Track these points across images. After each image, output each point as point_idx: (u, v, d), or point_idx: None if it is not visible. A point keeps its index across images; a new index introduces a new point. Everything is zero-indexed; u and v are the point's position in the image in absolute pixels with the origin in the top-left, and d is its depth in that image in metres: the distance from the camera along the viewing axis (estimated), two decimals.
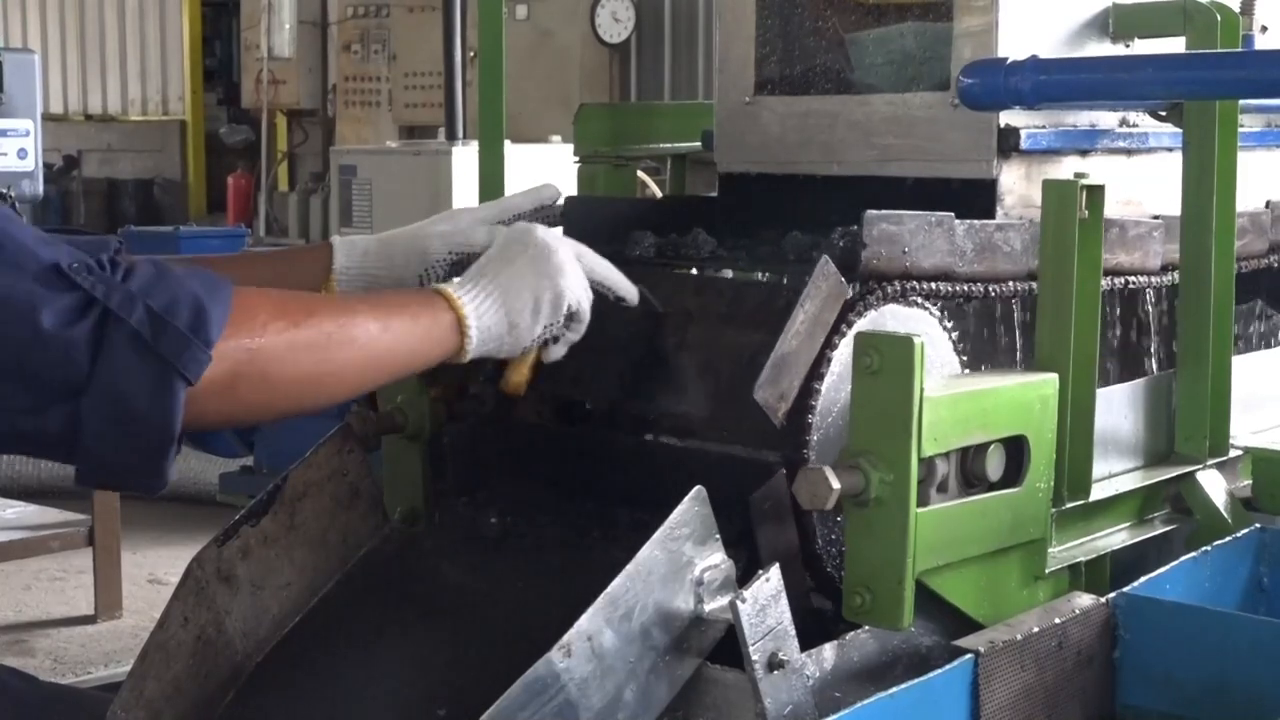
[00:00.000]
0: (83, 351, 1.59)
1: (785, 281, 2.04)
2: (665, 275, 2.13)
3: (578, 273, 1.96)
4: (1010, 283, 2.13)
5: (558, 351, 1.99)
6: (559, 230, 2.09)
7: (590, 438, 2.13)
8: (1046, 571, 2.06)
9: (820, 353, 1.91)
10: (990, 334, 2.14)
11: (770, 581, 1.75)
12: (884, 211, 1.96)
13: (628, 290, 2.04)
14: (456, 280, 1.91)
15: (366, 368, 1.81)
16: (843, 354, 1.92)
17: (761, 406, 1.85)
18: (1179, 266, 2.35)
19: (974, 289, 2.08)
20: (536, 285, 1.92)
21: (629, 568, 1.71)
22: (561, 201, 2.26)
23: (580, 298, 1.95)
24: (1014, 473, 1.97)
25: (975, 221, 2.05)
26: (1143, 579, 2.04)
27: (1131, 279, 2.29)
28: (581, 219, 2.25)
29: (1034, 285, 2.13)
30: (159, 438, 1.64)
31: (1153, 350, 2.44)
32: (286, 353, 1.72)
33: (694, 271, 2.21)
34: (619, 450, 2.09)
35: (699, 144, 2.83)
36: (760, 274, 2.17)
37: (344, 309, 1.80)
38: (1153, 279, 2.34)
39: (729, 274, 2.21)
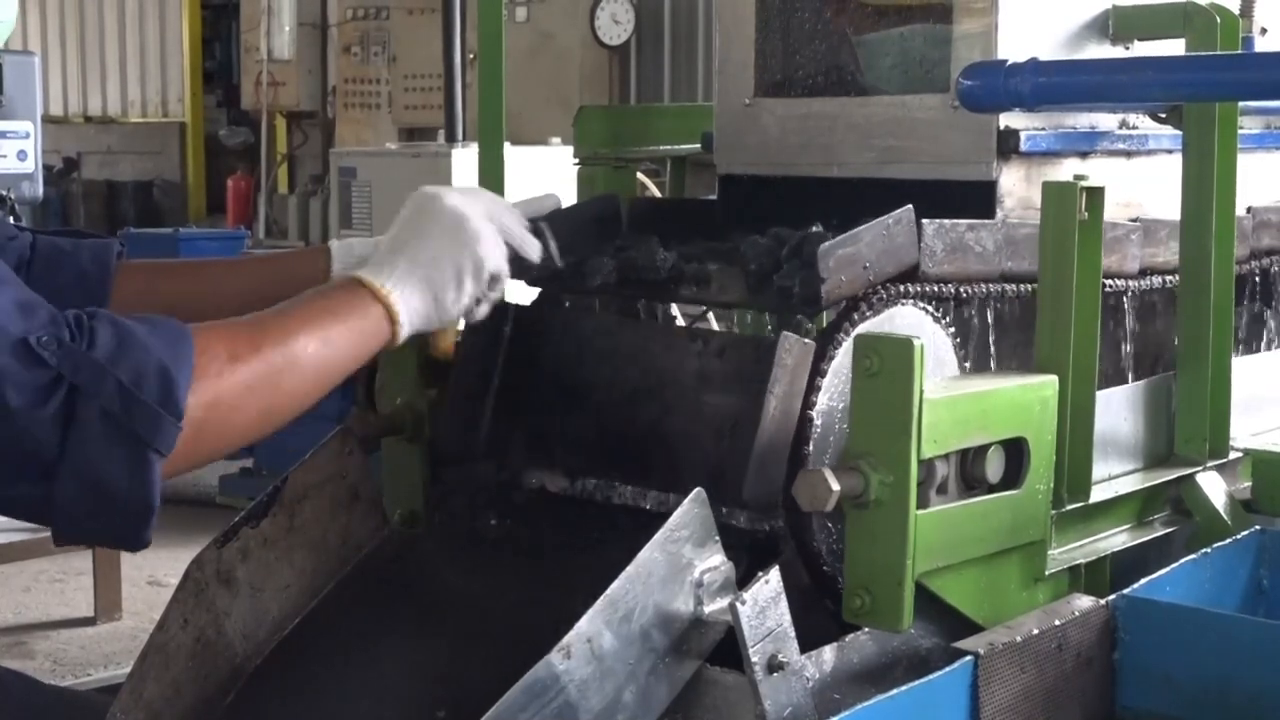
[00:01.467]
0: (50, 431, 1.56)
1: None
2: (627, 328, 2.11)
3: (494, 236, 1.93)
4: (983, 284, 2.10)
5: (482, 311, 1.96)
6: (467, 185, 2.05)
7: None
8: (1046, 573, 2.06)
9: (803, 408, 1.91)
10: (964, 334, 2.12)
11: (770, 583, 1.75)
12: (836, 240, 1.91)
13: (530, 248, 2.00)
14: (372, 265, 1.87)
15: (315, 385, 1.79)
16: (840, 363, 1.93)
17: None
18: (1179, 269, 2.35)
19: (945, 290, 2.05)
20: (457, 257, 1.89)
21: (629, 570, 1.71)
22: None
23: (499, 262, 1.93)
24: (1014, 474, 1.97)
25: (945, 221, 2.02)
26: (1143, 581, 2.04)
27: (1107, 282, 2.24)
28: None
29: (1006, 286, 2.11)
30: (138, 511, 1.62)
31: (1127, 353, 2.41)
32: (242, 398, 1.70)
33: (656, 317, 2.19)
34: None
35: (699, 146, 2.83)
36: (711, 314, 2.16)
37: (286, 332, 1.76)
38: (1130, 283, 2.32)
39: (679, 319, 2.18)
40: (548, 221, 2.08)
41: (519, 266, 2.03)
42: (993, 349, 2.15)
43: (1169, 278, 2.38)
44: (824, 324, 2.02)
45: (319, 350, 1.77)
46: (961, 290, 2.06)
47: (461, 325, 2.03)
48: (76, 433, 1.56)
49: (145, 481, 1.60)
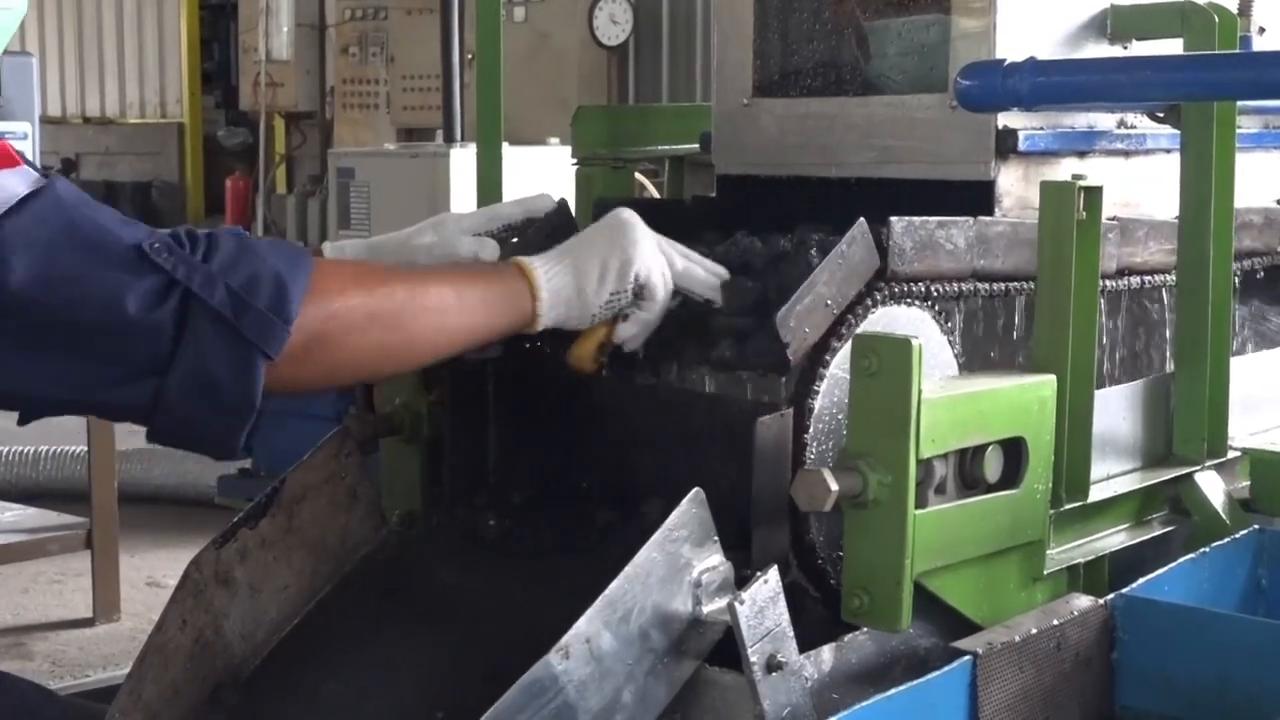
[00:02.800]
0: (167, 332, 1.63)
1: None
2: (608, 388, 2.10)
3: (652, 249, 1.95)
4: (954, 283, 2.08)
5: (628, 330, 1.96)
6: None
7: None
8: (1045, 573, 2.06)
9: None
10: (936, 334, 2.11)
11: (768, 583, 1.74)
12: (794, 297, 1.89)
13: (707, 289, 2.00)
14: (537, 255, 1.92)
15: (439, 336, 1.84)
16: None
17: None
18: (1177, 268, 2.35)
19: (914, 288, 2.03)
20: (606, 251, 1.92)
21: (627, 570, 1.71)
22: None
23: (650, 269, 1.93)
24: (1012, 474, 1.97)
25: (915, 219, 1.99)
26: (1141, 580, 2.04)
27: None
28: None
29: (979, 285, 2.10)
30: (240, 411, 1.68)
31: (1103, 351, 2.39)
32: (361, 322, 1.75)
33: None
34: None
35: (697, 146, 2.82)
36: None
37: (420, 279, 1.83)
38: (1106, 283, 2.31)
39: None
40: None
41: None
42: (958, 346, 2.13)
43: (1147, 277, 2.36)
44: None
45: (452, 303, 1.83)
46: (933, 289, 2.05)
47: (611, 338, 1.99)
48: (189, 334, 1.64)
49: (249, 382, 1.67)
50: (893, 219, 1.96)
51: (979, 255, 2.09)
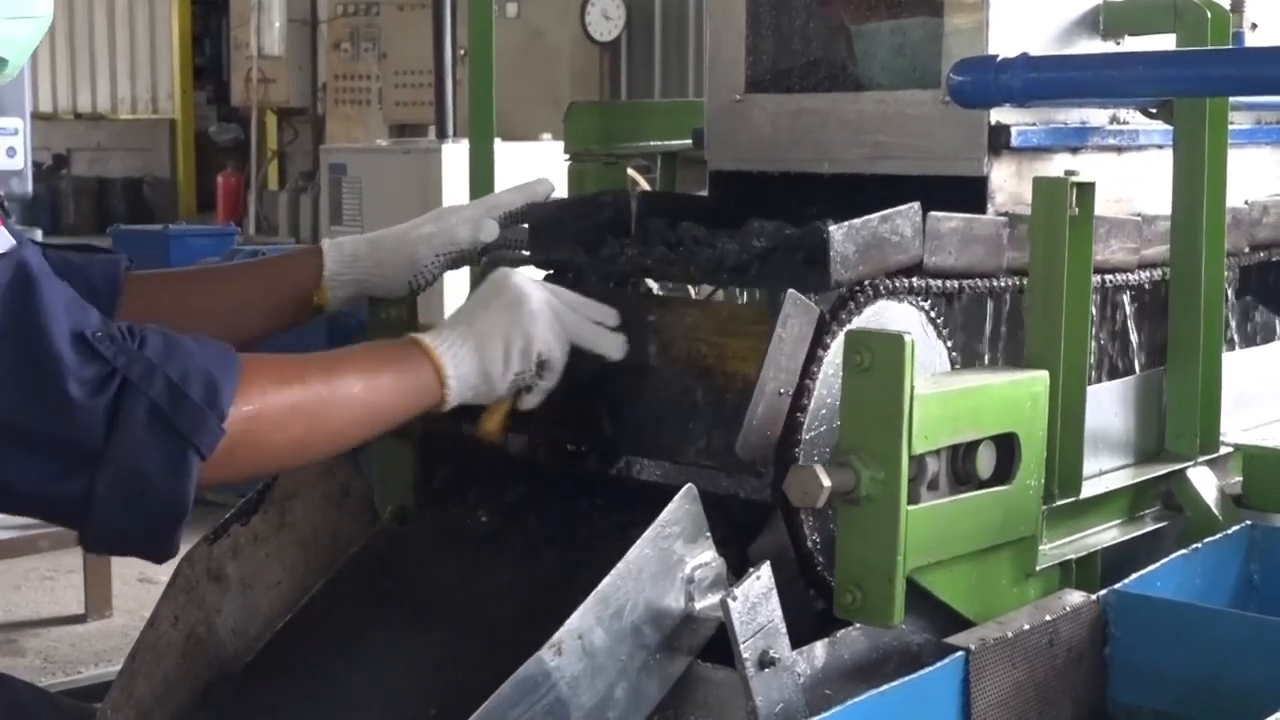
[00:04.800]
0: (100, 422, 1.60)
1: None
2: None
3: (549, 321, 1.97)
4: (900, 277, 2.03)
5: (532, 401, 2.00)
6: (538, 275, 2.10)
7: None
8: (1037, 569, 2.06)
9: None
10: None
11: (761, 579, 1.74)
12: (746, 421, 1.88)
13: (607, 348, 2.02)
14: (433, 331, 1.93)
15: (356, 426, 1.85)
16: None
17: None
18: (1169, 264, 2.35)
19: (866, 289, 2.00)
20: (508, 332, 1.93)
21: (620, 566, 1.71)
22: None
23: (550, 346, 1.96)
24: (1005, 470, 1.97)
25: (856, 221, 1.95)
26: (1133, 576, 2.04)
27: None
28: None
29: (935, 281, 2.07)
30: (172, 511, 1.66)
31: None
32: (282, 419, 1.75)
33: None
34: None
35: (690, 142, 2.82)
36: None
37: (333, 370, 1.83)
38: None
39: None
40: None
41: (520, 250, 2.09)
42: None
43: (1107, 276, 2.34)
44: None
45: (364, 392, 1.83)
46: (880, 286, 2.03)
47: (506, 407, 2.02)
48: (122, 426, 1.61)
49: (182, 480, 1.65)
50: (832, 229, 1.93)
51: (932, 249, 2.04)
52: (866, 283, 1.96)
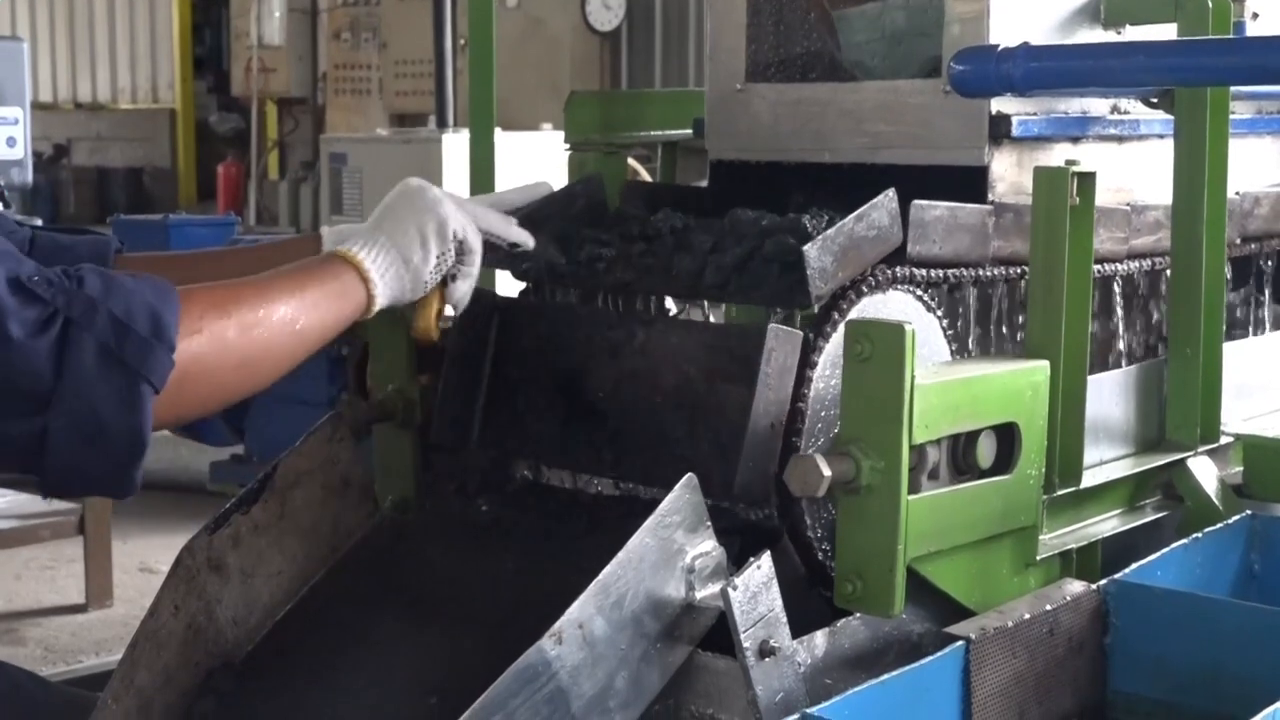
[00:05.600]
0: (47, 363, 1.60)
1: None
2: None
3: (454, 205, 1.98)
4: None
5: (460, 289, 2.01)
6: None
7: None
8: (1038, 558, 2.06)
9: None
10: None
11: (761, 569, 1.75)
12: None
13: (518, 235, 2.07)
14: (348, 240, 1.94)
15: (293, 342, 1.84)
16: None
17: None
18: (1171, 253, 2.35)
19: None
20: (419, 220, 1.95)
21: (620, 555, 1.71)
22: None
23: (464, 224, 1.98)
24: (1005, 460, 1.97)
25: (830, 232, 1.93)
26: (1134, 566, 2.04)
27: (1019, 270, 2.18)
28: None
29: (919, 270, 2.05)
30: (129, 446, 1.65)
31: None
32: (225, 345, 1.74)
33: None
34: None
35: (690, 131, 2.82)
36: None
37: (264, 292, 1.82)
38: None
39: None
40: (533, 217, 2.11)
41: (507, 259, 2.10)
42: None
43: (1104, 266, 2.33)
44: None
45: (295, 308, 1.82)
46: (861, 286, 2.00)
47: (449, 311, 2.04)
48: (71, 363, 1.60)
49: (137, 412, 1.64)
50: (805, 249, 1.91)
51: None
52: (848, 288, 1.95)
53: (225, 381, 1.77)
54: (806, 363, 1.91)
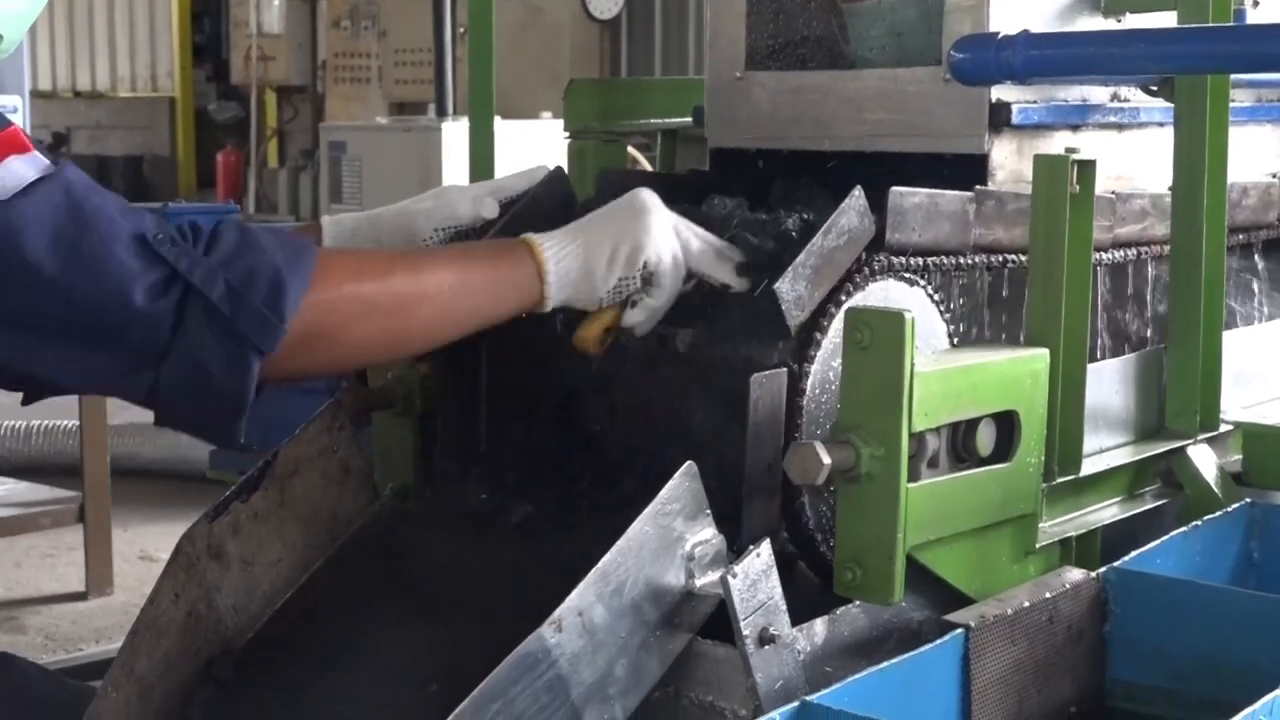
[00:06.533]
0: (166, 325, 1.67)
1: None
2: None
3: (666, 236, 1.92)
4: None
5: (635, 316, 1.93)
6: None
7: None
8: (1037, 546, 2.06)
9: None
10: None
11: (761, 556, 1.75)
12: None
13: (723, 274, 1.95)
14: (547, 233, 1.92)
15: (441, 322, 1.86)
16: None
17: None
18: (1171, 241, 2.34)
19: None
20: (618, 235, 1.91)
21: (620, 543, 1.71)
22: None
23: (661, 256, 1.91)
24: (1005, 448, 1.97)
25: (799, 259, 1.90)
26: (1133, 553, 2.05)
27: (1010, 257, 2.17)
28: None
29: (897, 259, 2.03)
30: (232, 405, 1.72)
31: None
32: (361, 312, 1.79)
33: None
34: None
35: (690, 119, 2.82)
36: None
37: (423, 264, 1.85)
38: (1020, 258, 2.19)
39: None
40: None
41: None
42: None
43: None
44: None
45: (455, 288, 1.84)
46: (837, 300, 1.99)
47: (618, 323, 1.96)
48: (186, 325, 1.68)
49: (241, 378, 1.71)
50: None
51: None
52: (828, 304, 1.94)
53: (359, 348, 1.83)
54: (796, 390, 1.90)
